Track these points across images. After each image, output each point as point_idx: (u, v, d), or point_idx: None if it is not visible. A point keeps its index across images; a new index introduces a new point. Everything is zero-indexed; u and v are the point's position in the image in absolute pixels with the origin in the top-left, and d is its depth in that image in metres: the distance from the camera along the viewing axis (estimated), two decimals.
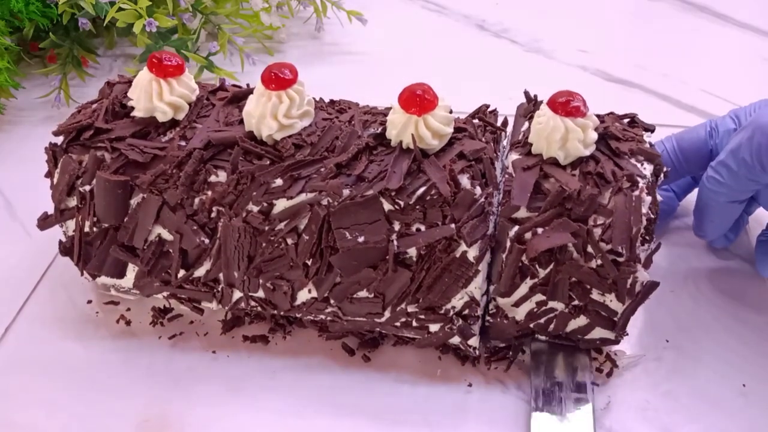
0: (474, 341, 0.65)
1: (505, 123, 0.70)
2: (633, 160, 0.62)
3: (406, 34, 1.18)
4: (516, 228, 0.59)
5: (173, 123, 0.67)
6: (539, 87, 0.92)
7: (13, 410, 0.65)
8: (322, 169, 0.62)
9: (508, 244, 0.59)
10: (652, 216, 0.59)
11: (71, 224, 0.68)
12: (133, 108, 0.68)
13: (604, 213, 0.58)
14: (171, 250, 0.66)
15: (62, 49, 1.04)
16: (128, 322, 0.72)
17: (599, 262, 0.58)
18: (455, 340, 0.65)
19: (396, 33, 1.18)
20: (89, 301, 0.74)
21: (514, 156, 0.63)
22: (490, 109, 0.70)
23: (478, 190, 0.60)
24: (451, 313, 0.63)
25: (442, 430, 0.63)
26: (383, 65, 1.09)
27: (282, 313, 0.67)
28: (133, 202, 0.65)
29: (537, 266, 0.59)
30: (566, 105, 0.61)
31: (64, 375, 0.67)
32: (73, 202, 0.67)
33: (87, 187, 0.65)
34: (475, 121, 0.68)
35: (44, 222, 0.69)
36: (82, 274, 0.69)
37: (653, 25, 1.20)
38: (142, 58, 1.00)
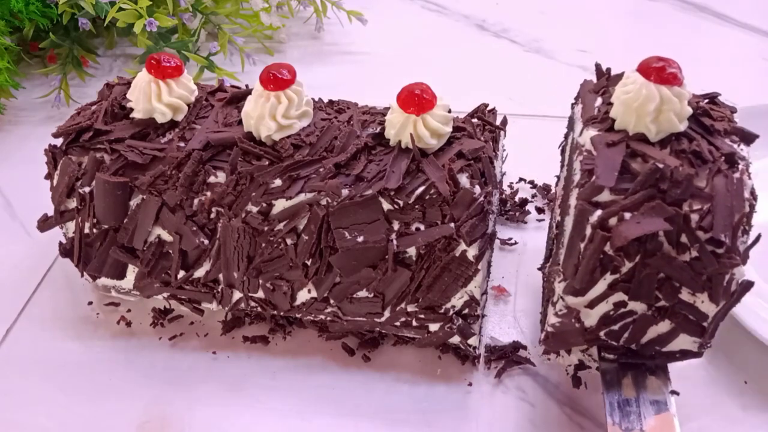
0: (474, 340, 0.65)
1: (504, 122, 0.70)
2: (728, 140, 0.54)
3: (406, 34, 1.18)
4: (599, 212, 0.50)
5: (172, 124, 0.67)
6: (539, 87, 0.92)
7: (13, 410, 0.65)
8: (321, 170, 0.62)
9: (589, 231, 0.50)
10: (754, 202, 0.51)
11: (71, 226, 0.68)
12: (132, 109, 0.68)
13: (702, 197, 0.49)
14: (171, 251, 0.66)
15: (62, 49, 1.04)
16: (128, 323, 0.72)
17: (694, 254, 0.49)
18: (455, 339, 0.65)
19: (396, 33, 1.18)
20: (90, 303, 0.74)
21: (592, 132, 0.55)
22: (488, 108, 0.70)
23: (477, 189, 0.60)
24: (451, 312, 0.63)
25: (442, 430, 0.63)
26: (383, 65, 1.09)
27: (282, 313, 0.67)
28: (133, 203, 0.65)
29: (622, 258, 0.50)
30: (662, 71, 0.53)
31: (65, 375, 0.68)
32: (72, 203, 0.67)
33: (87, 189, 0.65)
34: (474, 120, 0.68)
35: (44, 224, 0.69)
36: (82, 276, 0.70)
37: (653, 25, 1.20)
38: (143, 59, 1.00)
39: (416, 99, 0.61)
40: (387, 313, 0.64)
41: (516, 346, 0.68)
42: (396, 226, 0.60)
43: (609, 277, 0.51)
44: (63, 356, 0.69)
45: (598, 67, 0.63)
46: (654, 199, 0.49)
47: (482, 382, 0.66)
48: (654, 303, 0.52)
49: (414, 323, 0.64)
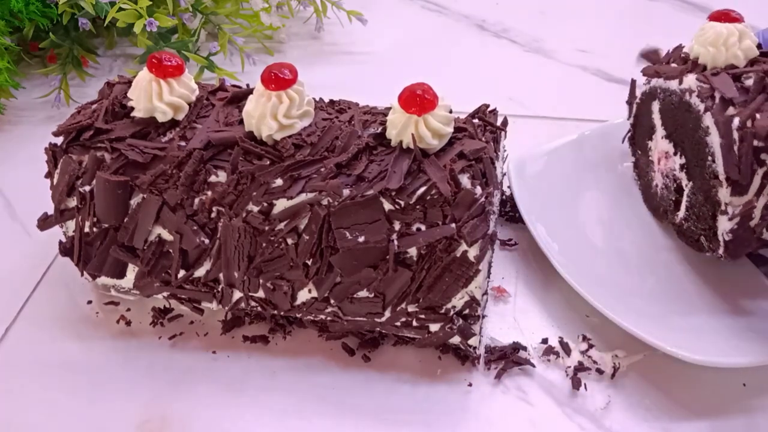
0: (474, 341, 0.65)
1: (505, 122, 0.70)
2: None
3: (406, 34, 1.18)
4: (738, 118, 0.62)
5: (173, 123, 0.67)
6: (539, 87, 0.92)
7: (13, 410, 0.65)
8: (322, 169, 0.62)
9: (736, 135, 0.62)
10: None
11: (71, 225, 0.68)
12: (132, 108, 0.68)
13: None
14: (171, 251, 0.66)
15: (62, 49, 1.04)
16: (128, 323, 0.72)
17: None
18: (455, 339, 0.65)
19: (396, 33, 1.18)
20: (89, 302, 0.74)
21: (691, 76, 0.68)
22: (489, 109, 0.70)
23: (478, 190, 0.60)
24: (452, 312, 0.63)
25: (442, 430, 0.63)
26: (383, 65, 1.09)
27: (282, 313, 0.67)
28: (133, 202, 0.65)
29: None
30: (728, 15, 0.71)
31: (64, 375, 0.67)
32: (73, 202, 0.67)
33: (87, 188, 0.65)
34: (475, 120, 0.68)
35: (44, 222, 0.69)
36: (82, 275, 0.69)
37: (653, 25, 1.20)
38: (143, 59, 1.00)
39: (418, 99, 0.61)
40: (387, 314, 0.64)
41: (516, 346, 0.68)
42: (397, 226, 0.60)
43: (760, 171, 0.62)
44: (62, 355, 0.69)
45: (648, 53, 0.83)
46: None
47: (482, 382, 0.66)
48: None
49: (414, 323, 0.64)
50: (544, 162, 0.83)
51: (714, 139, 0.65)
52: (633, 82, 0.80)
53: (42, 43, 1.02)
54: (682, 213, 0.73)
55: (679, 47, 0.75)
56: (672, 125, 0.73)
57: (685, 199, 0.72)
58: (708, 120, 0.65)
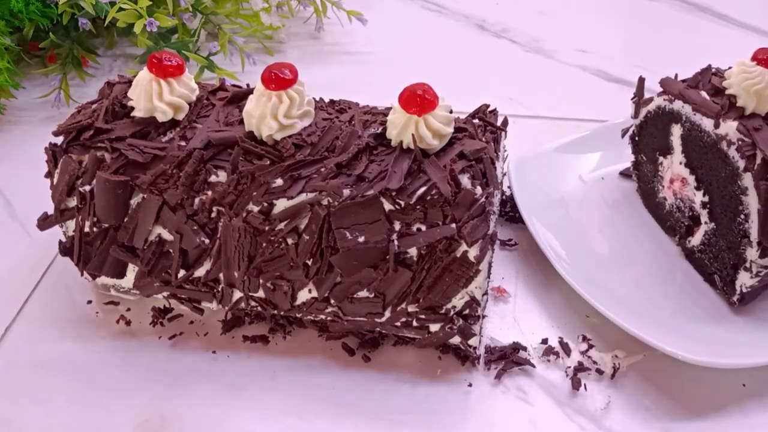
0: (474, 341, 0.65)
1: (505, 123, 0.70)
2: None
3: (406, 34, 1.18)
4: None
5: (173, 123, 0.67)
6: (539, 87, 0.92)
7: (13, 410, 0.65)
8: (323, 169, 0.62)
9: None
10: None
11: (71, 224, 0.68)
12: (133, 108, 0.67)
13: None
14: (171, 250, 0.66)
15: (62, 49, 1.04)
16: (128, 323, 0.72)
17: None
18: (455, 340, 0.65)
19: (396, 33, 1.18)
20: (89, 302, 0.74)
21: (730, 123, 0.64)
22: (490, 109, 0.70)
23: (478, 190, 0.60)
24: (452, 312, 0.63)
25: (442, 431, 0.62)
26: (383, 65, 1.09)
27: (282, 313, 0.67)
28: (133, 202, 0.65)
29: None
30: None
31: (64, 375, 0.67)
32: (73, 202, 0.67)
33: (87, 188, 0.65)
34: (476, 121, 0.68)
35: (44, 222, 0.69)
36: (82, 275, 0.69)
37: (653, 25, 1.20)
38: (143, 59, 1.00)
39: (418, 99, 0.61)
40: (387, 314, 0.64)
41: (516, 347, 0.68)
42: (397, 226, 0.60)
43: None
44: (62, 355, 0.69)
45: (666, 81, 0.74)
46: None
47: (482, 382, 0.66)
48: None
49: (414, 323, 0.64)
50: (544, 162, 0.83)
51: (751, 202, 0.63)
52: (641, 80, 0.77)
53: (42, 43, 1.02)
54: (695, 243, 0.73)
55: (708, 70, 0.71)
56: (697, 160, 0.70)
57: (702, 234, 0.71)
58: (747, 181, 0.63)
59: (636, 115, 0.78)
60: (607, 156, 0.85)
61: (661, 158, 0.76)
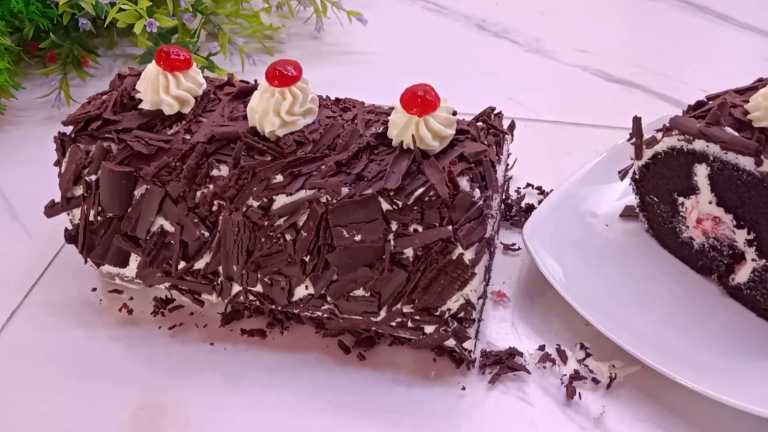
0: (469, 344, 0.64)
1: (511, 126, 0.69)
2: None
3: (406, 34, 1.18)
4: None
5: (179, 116, 0.67)
6: (539, 87, 0.92)
7: (15, 393, 0.66)
8: (323, 167, 0.62)
9: None
10: None
11: (77, 213, 0.69)
12: (141, 100, 0.68)
13: None
14: (172, 242, 0.66)
15: (62, 49, 1.04)
16: (130, 311, 0.72)
17: None
18: (450, 342, 0.65)
19: (396, 33, 1.18)
20: (94, 289, 0.74)
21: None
22: (495, 112, 0.69)
23: (477, 193, 0.60)
24: (447, 315, 0.63)
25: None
26: (383, 65, 1.09)
27: (280, 308, 0.67)
28: (137, 193, 0.65)
29: None
30: None
31: (66, 361, 0.68)
32: (79, 190, 0.67)
33: (93, 177, 0.66)
34: (480, 123, 0.68)
35: (51, 209, 0.70)
36: (86, 262, 0.70)
37: (653, 25, 1.19)
38: (143, 59, 1.00)
39: (419, 100, 0.61)
40: (383, 313, 0.64)
41: (512, 352, 0.67)
42: (394, 226, 0.60)
43: None
44: (65, 341, 0.70)
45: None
46: None
47: (476, 386, 0.65)
48: None
49: (409, 324, 0.64)
50: (554, 215, 0.78)
51: None
52: (637, 121, 0.72)
53: (42, 44, 1.02)
54: (742, 280, 0.70)
55: (726, 102, 0.66)
56: (735, 200, 0.67)
57: (750, 271, 0.69)
58: None
59: (639, 157, 0.73)
60: (608, 188, 0.81)
61: (681, 199, 0.72)
